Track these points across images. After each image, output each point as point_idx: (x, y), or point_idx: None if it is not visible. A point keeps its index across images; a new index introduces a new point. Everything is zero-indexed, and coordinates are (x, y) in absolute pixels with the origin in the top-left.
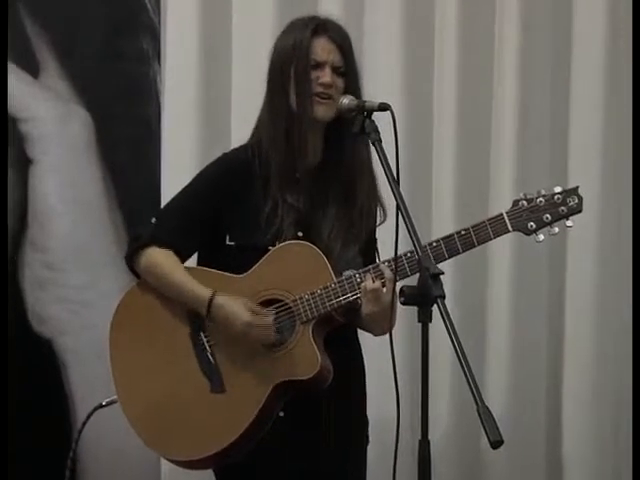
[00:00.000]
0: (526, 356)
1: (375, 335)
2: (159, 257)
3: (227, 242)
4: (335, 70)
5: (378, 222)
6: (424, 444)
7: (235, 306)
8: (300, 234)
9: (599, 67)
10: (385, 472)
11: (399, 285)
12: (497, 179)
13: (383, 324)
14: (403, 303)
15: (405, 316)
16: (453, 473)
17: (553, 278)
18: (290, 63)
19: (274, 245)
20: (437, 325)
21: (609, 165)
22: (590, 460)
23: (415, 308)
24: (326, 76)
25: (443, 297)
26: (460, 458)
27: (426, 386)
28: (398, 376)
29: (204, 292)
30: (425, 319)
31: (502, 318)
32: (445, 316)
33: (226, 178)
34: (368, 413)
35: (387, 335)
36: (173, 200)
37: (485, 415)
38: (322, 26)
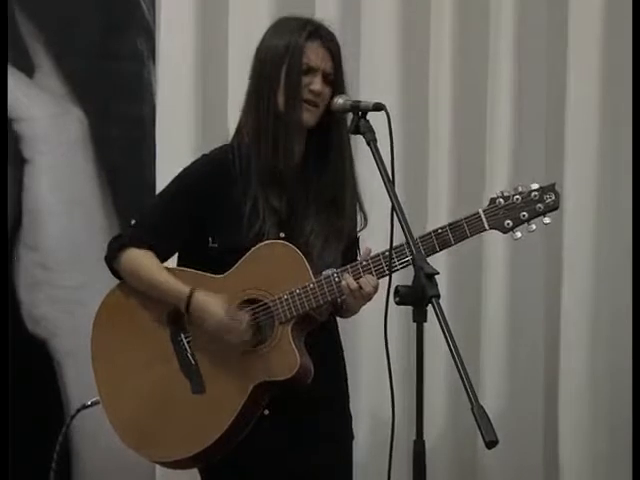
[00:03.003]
0: (522, 356)
1: (343, 318)
2: (138, 257)
3: (210, 244)
4: (325, 77)
5: (359, 228)
6: (419, 443)
7: (212, 304)
8: (282, 235)
9: (596, 60)
10: (380, 471)
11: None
12: (493, 180)
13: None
14: (398, 303)
15: (400, 316)
16: (448, 473)
17: (549, 277)
18: (281, 65)
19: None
20: (432, 325)
21: (605, 154)
22: (587, 460)
23: (410, 308)
24: (317, 84)
25: (438, 297)
26: (455, 458)
27: (421, 385)
28: (393, 376)
29: (183, 289)
30: (420, 319)
31: (498, 318)
32: (440, 316)
33: (207, 179)
34: (364, 413)
35: (382, 335)
36: (153, 201)
37: (480, 415)
38: (316, 31)
